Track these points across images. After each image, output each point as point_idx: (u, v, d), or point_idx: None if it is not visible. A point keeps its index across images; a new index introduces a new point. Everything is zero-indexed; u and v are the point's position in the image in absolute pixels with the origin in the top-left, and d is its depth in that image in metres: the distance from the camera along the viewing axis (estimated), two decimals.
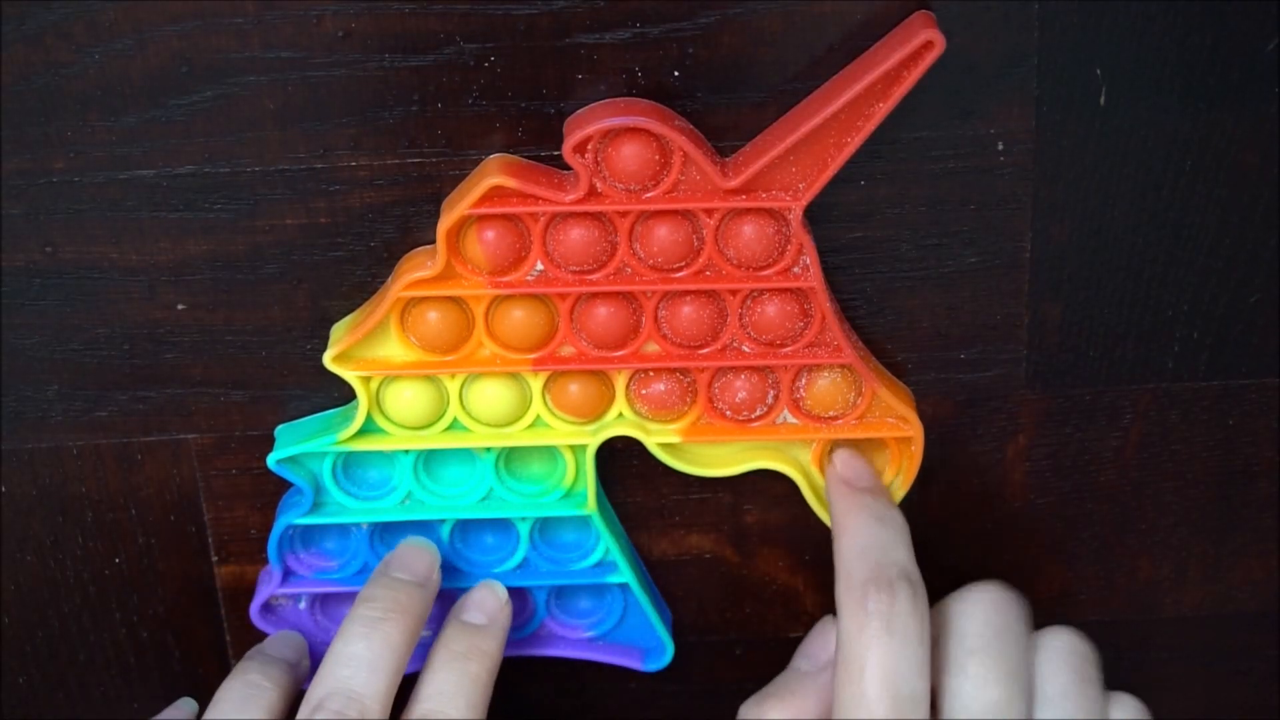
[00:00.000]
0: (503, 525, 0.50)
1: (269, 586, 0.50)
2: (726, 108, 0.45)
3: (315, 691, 0.45)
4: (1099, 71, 0.45)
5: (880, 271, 0.48)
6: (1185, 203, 0.47)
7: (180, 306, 0.48)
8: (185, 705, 0.51)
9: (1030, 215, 0.47)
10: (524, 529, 0.50)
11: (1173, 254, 0.48)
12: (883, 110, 0.43)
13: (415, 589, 0.47)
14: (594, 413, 0.48)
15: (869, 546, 0.45)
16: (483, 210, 0.45)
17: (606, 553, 0.50)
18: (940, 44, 0.42)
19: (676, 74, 0.45)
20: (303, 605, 0.51)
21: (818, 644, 0.49)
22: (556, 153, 0.45)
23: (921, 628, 0.44)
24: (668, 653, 0.52)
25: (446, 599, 0.49)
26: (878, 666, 0.43)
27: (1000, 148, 0.46)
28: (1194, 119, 0.46)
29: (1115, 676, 0.55)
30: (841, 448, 0.49)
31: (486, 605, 0.49)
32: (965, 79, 0.45)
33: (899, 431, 0.48)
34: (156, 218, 0.46)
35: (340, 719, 0.44)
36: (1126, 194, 0.47)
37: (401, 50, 0.44)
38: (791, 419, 0.48)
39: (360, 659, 0.45)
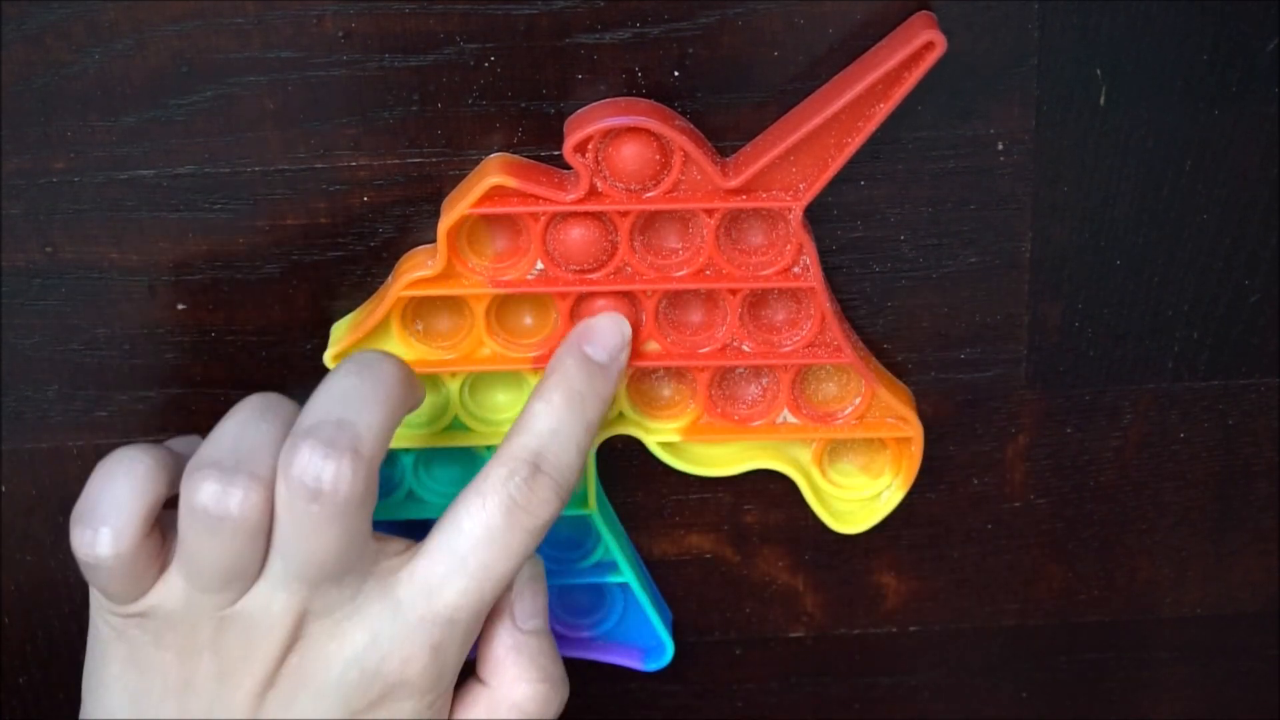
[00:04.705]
0: None
1: None
2: (726, 108, 0.45)
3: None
4: (1099, 71, 0.45)
5: (880, 271, 0.48)
6: (1185, 203, 0.47)
7: (180, 306, 0.48)
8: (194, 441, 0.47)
9: (1030, 215, 0.47)
10: None
11: (1173, 254, 0.48)
12: (883, 111, 0.43)
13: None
14: None
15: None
16: (483, 210, 0.45)
17: (606, 553, 0.50)
18: (941, 45, 0.42)
19: (676, 74, 0.45)
20: None
21: None
22: (556, 153, 0.45)
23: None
24: (668, 653, 0.52)
25: None
26: None
27: (1000, 148, 0.46)
28: (1194, 119, 0.46)
29: (1115, 676, 0.55)
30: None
31: (610, 342, 0.46)
32: (965, 79, 0.45)
33: (899, 431, 0.48)
34: (156, 218, 0.46)
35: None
36: (1126, 194, 0.47)
37: (401, 50, 0.44)
38: (791, 419, 0.48)
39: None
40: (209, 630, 0.43)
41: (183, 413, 0.49)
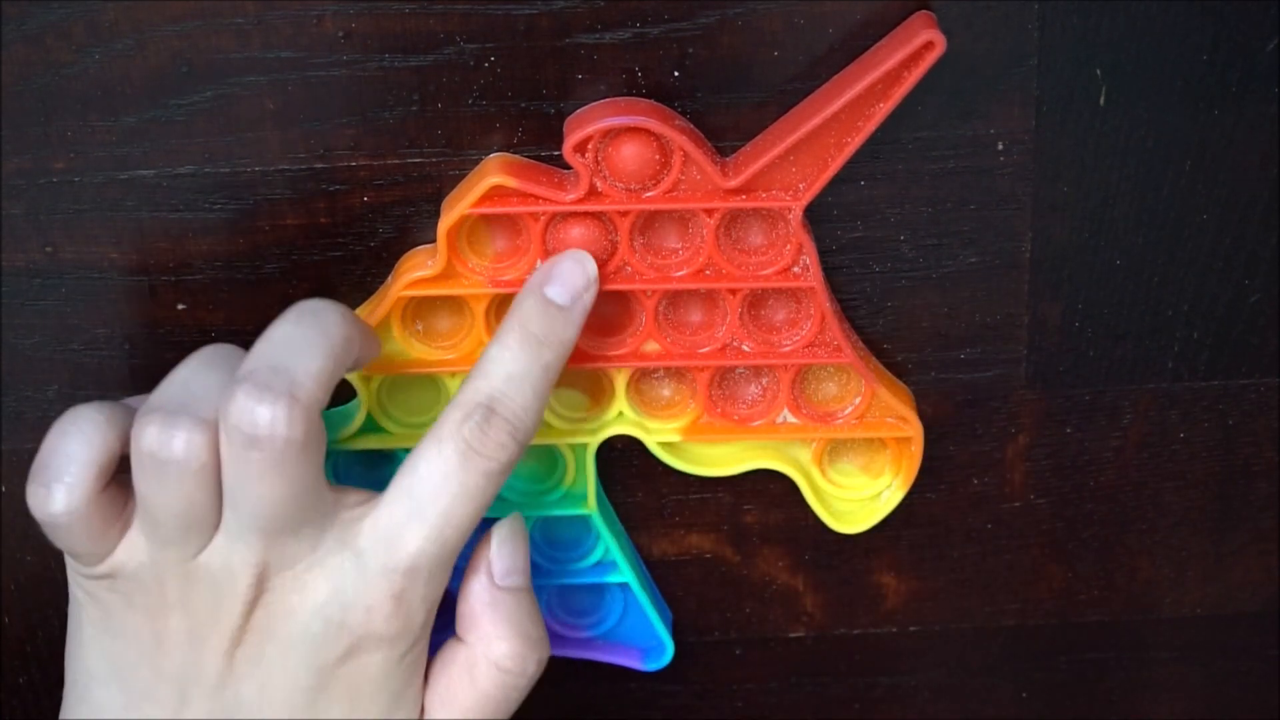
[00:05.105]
0: None
1: None
2: (726, 108, 0.45)
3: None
4: (1099, 71, 0.45)
5: (880, 271, 0.48)
6: (1185, 203, 0.47)
7: (180, 306, 0.48)
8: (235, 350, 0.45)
9: (1030, 215, 0.47)
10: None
11: (1173, 254, 0.48)
12: (883, 110, 0.43)
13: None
14: (594, 412, 0.48)
15: None
16: (483, 210, 0.45)
17: (606, 553, 0.50)
18: (941, 44, 0.42)
19: (676, 74, 0.45)
20: None
21: None
22: (556, 153, 0.45)
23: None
24: (668, 653, 0.52)
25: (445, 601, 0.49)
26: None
27: (1000, 148, 0.46)
28: (1194, 119, 0.46)
29: (1115, 676, 0.55)
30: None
31: (573, 282, 0.45)
32: (965, 79, 0.45)
33: (899, 431, 0.48)
34: (156, 218, 0.46)
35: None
36: (1126, 194, 0.47)
37: (401, 50, 0.44)
38: (791, 419, 0.48)
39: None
40: (175, 588, 0.43)
41: None
